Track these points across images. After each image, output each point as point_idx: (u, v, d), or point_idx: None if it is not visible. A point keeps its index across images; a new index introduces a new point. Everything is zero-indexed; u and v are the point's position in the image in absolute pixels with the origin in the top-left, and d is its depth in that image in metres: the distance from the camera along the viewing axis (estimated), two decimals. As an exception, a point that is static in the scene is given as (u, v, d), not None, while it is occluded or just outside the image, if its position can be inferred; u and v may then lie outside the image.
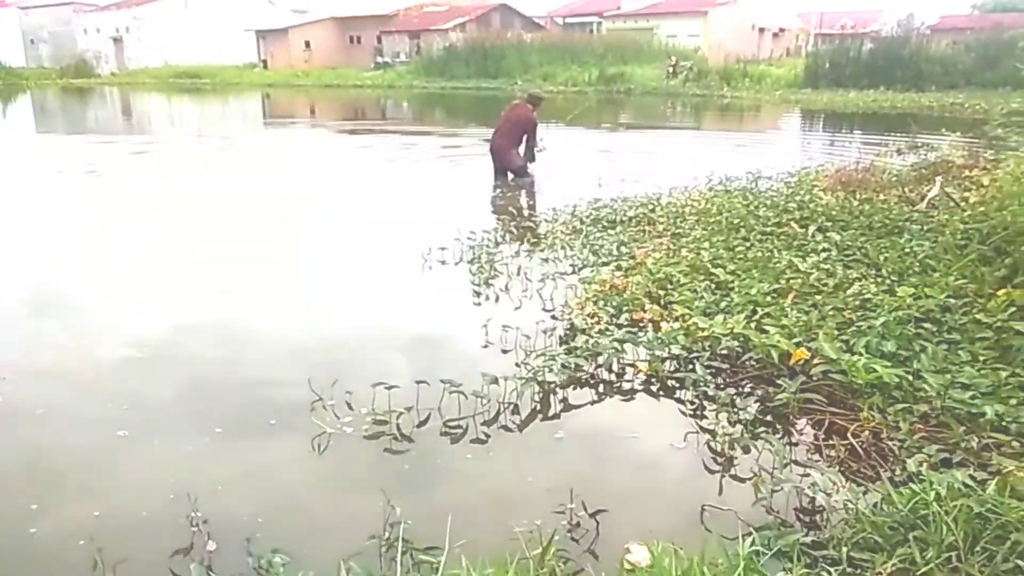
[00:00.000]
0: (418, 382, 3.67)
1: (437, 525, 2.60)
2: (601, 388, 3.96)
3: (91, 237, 7.43)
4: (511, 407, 3.70)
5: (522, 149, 10.27)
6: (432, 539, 2.56)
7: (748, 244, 5.97)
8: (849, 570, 2.33)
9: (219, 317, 5.22)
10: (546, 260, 6.28)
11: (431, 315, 5.23)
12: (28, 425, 3.59)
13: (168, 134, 20.22)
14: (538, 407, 3.75)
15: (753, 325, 4.23)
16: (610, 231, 7.01)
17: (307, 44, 49.68)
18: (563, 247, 6.60)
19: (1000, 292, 4.27)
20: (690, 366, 3.98)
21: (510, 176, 10.26)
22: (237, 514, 2.84)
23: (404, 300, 5.57)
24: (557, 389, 3.89)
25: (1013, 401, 3.32)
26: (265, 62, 49.72)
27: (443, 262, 6.32)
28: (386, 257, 6.66)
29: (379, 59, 46.68)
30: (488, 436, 3.48)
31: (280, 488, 3.10)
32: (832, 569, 2.28)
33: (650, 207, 7.76)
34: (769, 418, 3.56)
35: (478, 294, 5.56)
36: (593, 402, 3.85)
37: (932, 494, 2.47)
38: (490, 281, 5.76)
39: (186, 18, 52.77)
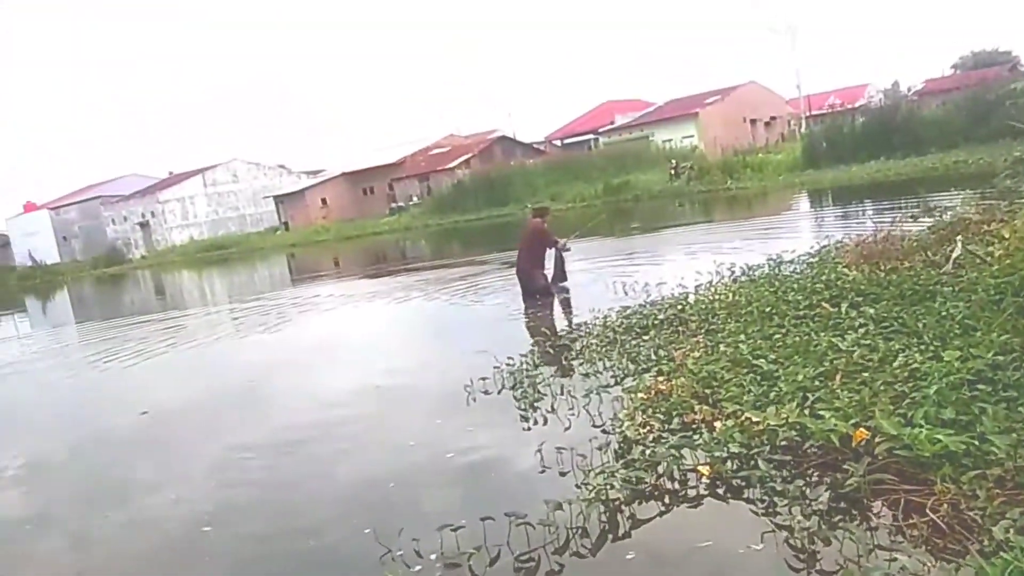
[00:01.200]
0: (483, 519, 3.67)
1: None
2: (667, 499, 3.92)
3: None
4: (579, 531, 3.67)
5: (548, 265, 10.59)
6: None
7: (784, 331, 5.99)
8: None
9: (273, 473, 5.27)
10: (587, 375, 6.32)
11: (483, 446, 5.24)
12: None
13: (202, 305, 20.87)
14: (607, 527, 3.71)
15: (807, 412, 4.20)
16: (644, 337, 7.07)
17: (323, 201, 51.94)
18: (601, 359, 6.65)
19: (1047, 342, 4.23)
20: (752, 462, 3.94)
21: (538, 297, 10.48)
22: None
23: (454, 435, 5.59)
24: (623, 506, 3.85)
25: (1088, 452, 3.25)
26: (286, 224, 51.86)
27: (486, 392, 6.38)
28: (430, 395, 6.74)
29: (393, 205, 48.55)
30: (562, 566, 3.44)
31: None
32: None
33: (679, 307, 7.84)
34: (843, 505, 3.48)
35: (526, 419, 5.58)
36: (661, 514, 3.80)
37: (1027, 560, 2.40)
38: (535, 404, 5.80)
39: (207, 194, 55.62)
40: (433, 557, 3.57)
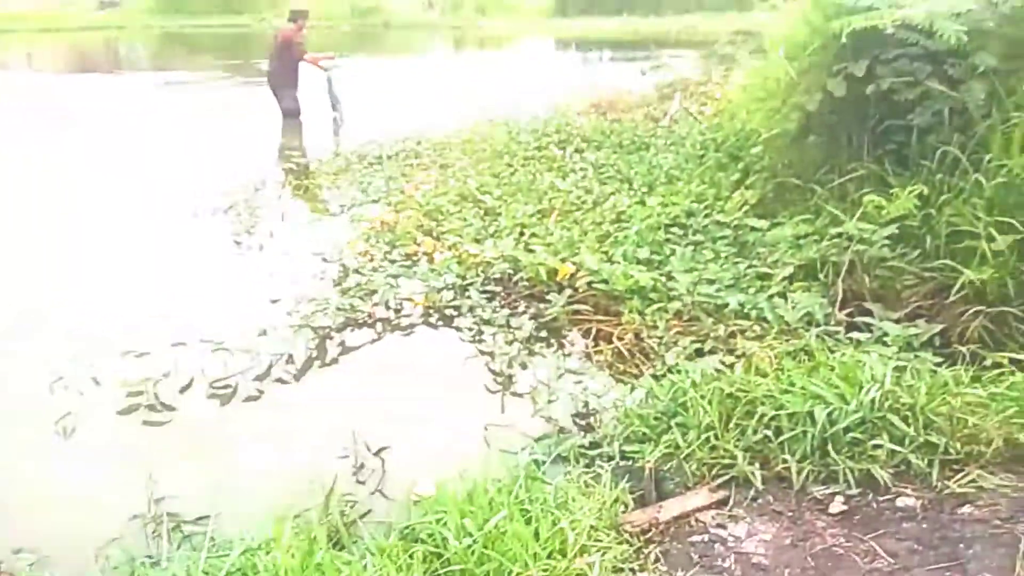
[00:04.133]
0: (174, 345, 3.36)
1: (209, 494, 2.42)
2: (379, 327, 3.87)
3: None
4: (285, 357, 3.51)
5: (299, 84, 9.56)
6: (204, 510, 2.36)
7: (512, 170, 6.08)
8: (622, 463, 2.47)
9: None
10: (313, 202, 5.99)
11: (187, 272, 4.77)
12: None
13: None
14: (314, 354, 3.58)
15: (522, 246, 4.32)
16: (377, 167, 6.83)
17: (13, -19, 42.97)
18: (330, 187, 6.33)
19: (735, 194, 4.69)
20: (466, 293, 4.00)
21: (284, 118, 9.56)
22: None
23: (156, 258, 5.02)
24: (333, 333, 3.74)
25: (752, 290, 3.68)
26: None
27: (195, 215, 5.80)
28: (135, 214, 5.97)
29: (103, -3, 41.56)
30: (262, 392, 3.28)
31: (22, 481, 2.70)
32: (607, 465, 2.40)
33: (416, 141, 7.65)
34: (544, 334, 3.67)
35: (239, 244, 5.19)
36: (373, 341, 3.75)
37: (688, 382, 2.67)
38: (252, 229, 5.39)
39: None
40: (115, 384, 3.21)
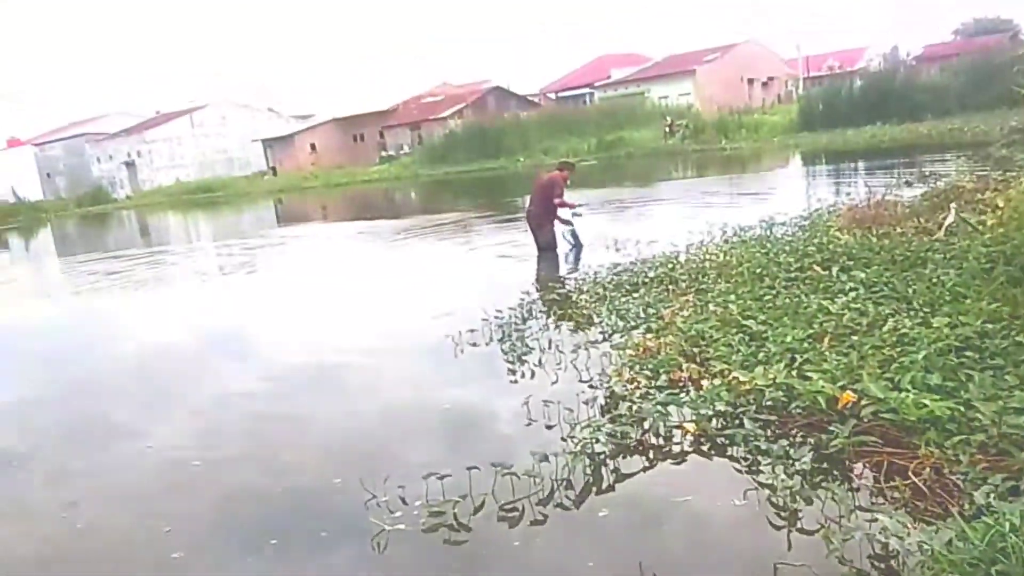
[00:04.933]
0: (469, 468, 3.67)
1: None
2: (651, 454, 3.94)
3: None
4: (564, 483, 3.69)
5: (557, 223, 10.41)
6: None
7: (774, 292, 5.99)
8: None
9: (259, 428, 5.26)
10: (575, 331, 6.32)
11: (470, 399, 5.24)
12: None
13: (190, 245, 20.71)
14: (591, 480, 3.72)
15: (794, 373, 4.21)
16: (634, 294, 7.06)
17: (312, 147, 51.23)
18: (590, 316, 6.64)
19: (1036, 312, 4.25)
20: (737, 421, 3.96)
21: (538, 249, 10.38)
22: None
23: (441, 386, 5.58)
24: (607, 460, 3.87)
25: (1071, 421, 3.27)
26: (274, 169, 51.19)
27: (474, 344, 6.36)
28: (419, 346, 6.70)
29: (383, 153, 47.99)
30: (545, 516, 3.46)
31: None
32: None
33: (669, 266, 7.82)
34: (826, 466, 3.51)
35: (513, 372, 5.59)
36: (645, 469, 3.82)
37: (1007, 525, 2.42)
38: (523, 358, 5.79)
39: (195, 135, 54.73)
40: (418, 504, 3.58)
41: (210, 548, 3.60)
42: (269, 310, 9.34)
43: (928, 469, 3.23)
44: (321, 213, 27.52)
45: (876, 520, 2.91)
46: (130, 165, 55.38)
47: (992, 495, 2.87)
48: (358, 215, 23.60)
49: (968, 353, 4.09)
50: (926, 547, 2.59)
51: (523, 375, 5.50)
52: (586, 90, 53.92)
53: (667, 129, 35.40)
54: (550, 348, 5.93)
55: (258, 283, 11.81)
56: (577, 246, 10.40)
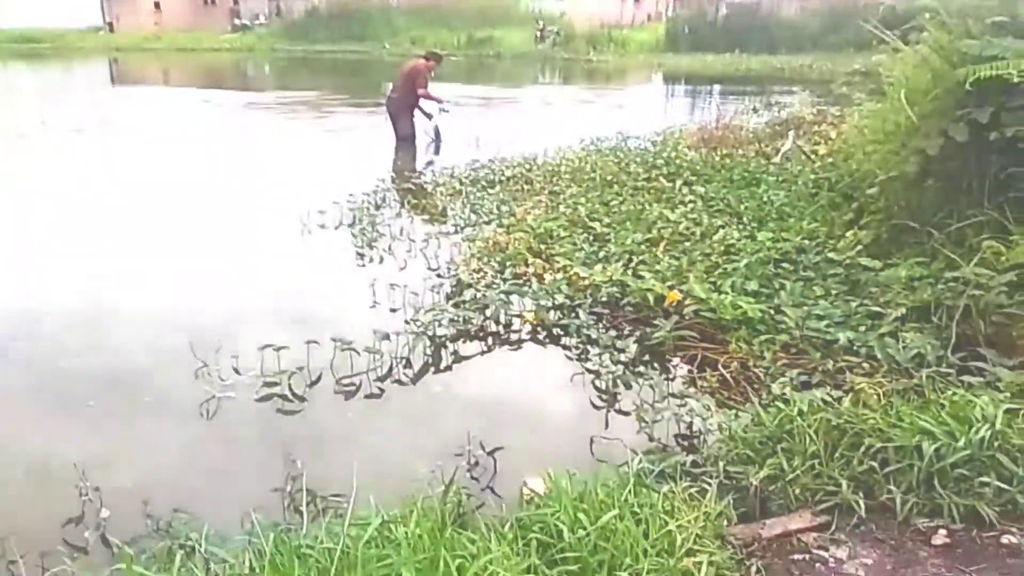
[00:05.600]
0: (308, 342, 3.66)
1: (339, 476, 2.65)
2: (490, 340, 4.09)
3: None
4: (403, 362, 3.76)
5: (418, 114, 10.12)
6: (335, 490, 2.60)
7: (621, 199, 6.23)
8: (726, 482, 2.56)
9: (90, 297, 4.93)
10: (428, 222, 6.32)
11: (315, 279, 5.16)
12: None
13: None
14: (430, 360, 3.83)
15: (630, 272, 4.47)
16: (489, 191, 7.11)
17: (156, 5, 46.45)
18: (444, 208, 6.65)
19: (848, 233, 4.70)
20: (573, 313, 4.17)
21: (397, 139, 10.11)
22: (127, 482, 2.77)
23: (287, 266, 5.46)
24: (448, 343, 3.98)
25: (862, 328, 3.69)
26: (111, 25, 46.13)
27: (323, 226, 6.23)
28: (264, 224, 6.46)
29: (236, 21, 44.31)
30: (383, 391, 3.54)
31: (172, 453, 3.03)
32: (712, 481, 2.50)
33: (527, 167, 7.92)
34: (647, 357, 3.79)
35: (361, 256, 5.54)
36: (483, 352, 3.97)
37: (795, 411, 2.74)
38: (373, 243, 5.74)
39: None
40: (252, 375, 3.54)
41: (21, 410, 3.41)
42: (95, 178, 8.62)
43: (736, 363, 3.57)
44: (162, 78, 25.30)
45: (685, 405, 3.20)
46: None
47: (787, 386, 3.23)
48: (204, 84, 21.87)
49: (784, 265, 4.49)
50: (725, 428, 2.88)
51: (371, 260, 5.47)
52: (460, -18, 51.91)
53: (538, 34, 34.99)
54: (401, 235, 5.91)
55: (86, 147, 10.81)
56: (437, 140, 10.24)
